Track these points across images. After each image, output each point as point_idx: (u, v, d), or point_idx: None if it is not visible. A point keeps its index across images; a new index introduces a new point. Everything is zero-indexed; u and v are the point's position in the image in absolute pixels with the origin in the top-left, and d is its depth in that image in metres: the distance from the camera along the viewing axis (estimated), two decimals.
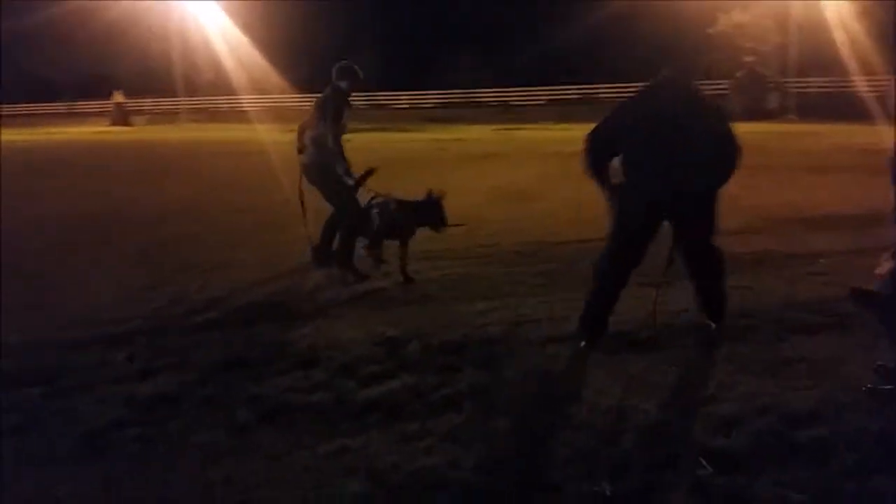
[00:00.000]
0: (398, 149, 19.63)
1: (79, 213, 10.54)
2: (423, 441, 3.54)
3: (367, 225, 6.39)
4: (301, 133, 6.63)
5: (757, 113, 26.08)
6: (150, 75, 44.81)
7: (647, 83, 4.64)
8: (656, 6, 34.03)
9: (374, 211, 6.35)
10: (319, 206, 6.79)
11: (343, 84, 6.52)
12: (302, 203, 6.82)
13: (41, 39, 55.30)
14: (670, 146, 4.36)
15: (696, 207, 4.54)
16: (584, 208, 9.26)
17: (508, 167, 14.94)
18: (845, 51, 29.03)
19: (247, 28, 43.38)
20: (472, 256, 7.19)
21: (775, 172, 12.18)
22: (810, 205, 9.40)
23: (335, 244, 6.61)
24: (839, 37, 29.64)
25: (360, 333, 5.05)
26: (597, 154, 4.55)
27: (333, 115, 6.38)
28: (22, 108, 58.78)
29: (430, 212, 6.30)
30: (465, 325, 5.17)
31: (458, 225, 7.97)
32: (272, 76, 44.01)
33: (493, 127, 29.27)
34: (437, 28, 54.70)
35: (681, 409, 3.87)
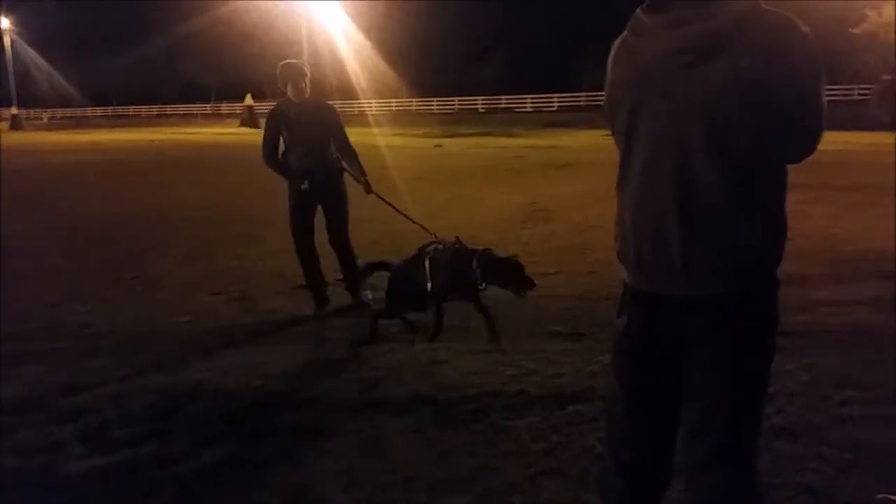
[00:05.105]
0: (472, 155, 18.81)
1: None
2: None
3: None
4: None
5: None
6: None
7: None
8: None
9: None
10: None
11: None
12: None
13: (195, 46, 59.43)
14: None
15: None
16: (590, 232, 8.10)
17: (566, 180, 13.64)
18: None
19: (369, 32, 44.07)
20: None
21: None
22: None
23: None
24: None
25: (169, 376, 4.26)
26: None
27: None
28: (179, 108, 63.58)
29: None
30: (293, 376, 4.25)
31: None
32: (395, 81, 44.47)
33: (605, 132, 27.62)
34: (567, 30, 53.21)
35: None
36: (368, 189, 5.43)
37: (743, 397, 1.88)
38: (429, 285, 4.53)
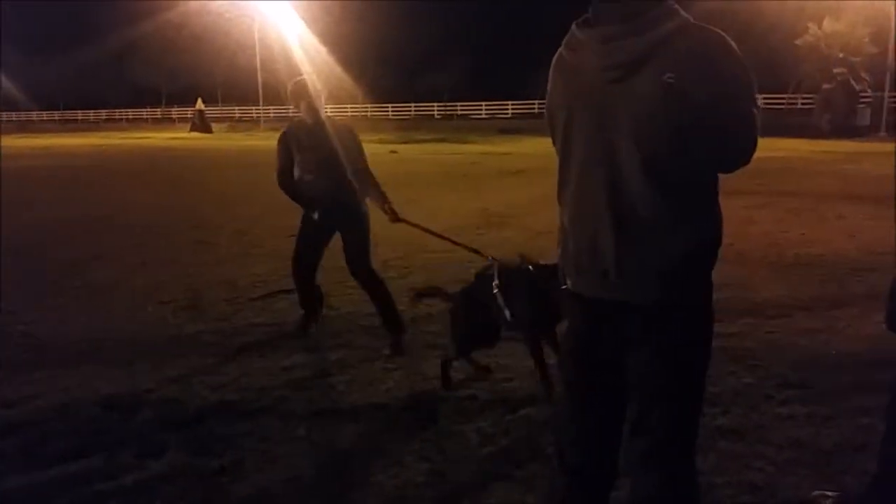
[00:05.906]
0: (427, 161, 18.90)
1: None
2: None
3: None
4: None
5: (845, 130, 23.61)
6: (235, 84, 46.20)
7: None
8: (740, 9, 31.40)
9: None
10: None
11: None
12: None
13: (145, 49, 58.33)
14: None
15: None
16: (542, 237, 8.16)
17: (520, 186, 13.74)
18: None
19: (325, 38, 43.77)
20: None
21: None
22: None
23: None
24: None
25: (115, 386, 4.18)
26: None
27: None
28: (129, 113, 62.28)
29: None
30: (242, 385, 4.20)
31: None
32: (351, 86, 44.27)
33: None
34: (523, 39, 53.65)
35: None
36: (395, 217, 4.76)
37: (679, 398, 1.95)
38: (506, 313, 3.70)
